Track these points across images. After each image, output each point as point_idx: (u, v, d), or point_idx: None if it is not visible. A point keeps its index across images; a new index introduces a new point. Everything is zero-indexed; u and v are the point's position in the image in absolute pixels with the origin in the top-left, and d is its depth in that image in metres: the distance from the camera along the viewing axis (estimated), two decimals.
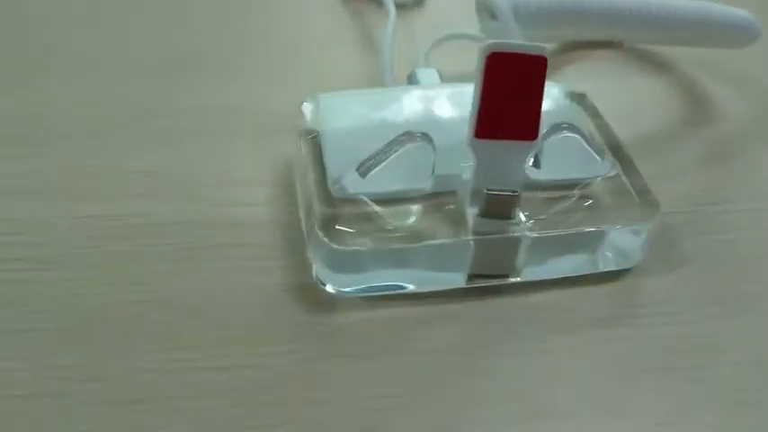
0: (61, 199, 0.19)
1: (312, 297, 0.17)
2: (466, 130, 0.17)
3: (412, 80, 0.23)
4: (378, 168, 0.17)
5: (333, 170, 0.18)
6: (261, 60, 0.25)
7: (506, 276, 0.18)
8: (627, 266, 0.18)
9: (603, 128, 0.20)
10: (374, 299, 0.17)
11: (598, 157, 0.19)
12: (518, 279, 0.18)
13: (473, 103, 0.16)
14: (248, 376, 0.15)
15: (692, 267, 0.19)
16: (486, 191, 0.17)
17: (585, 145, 0.18)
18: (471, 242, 0.17)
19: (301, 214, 0.19)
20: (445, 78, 0.23)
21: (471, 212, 0.17)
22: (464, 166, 0.18)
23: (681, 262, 0.19)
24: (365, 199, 0.17)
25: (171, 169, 0.20)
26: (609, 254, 0.18)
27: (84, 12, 0.27)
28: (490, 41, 0.16)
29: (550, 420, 0.15)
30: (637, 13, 0.20)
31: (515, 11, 0.18)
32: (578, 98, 0.21)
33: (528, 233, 0.17)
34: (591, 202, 0.18)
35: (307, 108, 0.20)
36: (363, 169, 0.17)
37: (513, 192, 0.17)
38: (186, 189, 0.20)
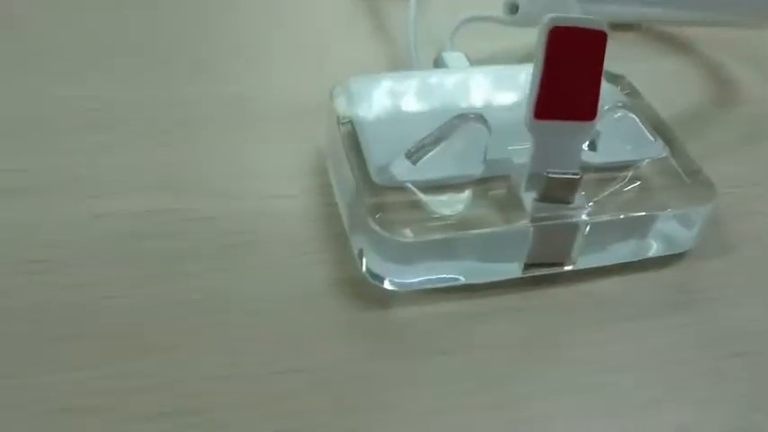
0: (83, 196, 0.18)
1: (363, 293, 0.16)
2: (511, 111, 0.16)
3: (439, 64, 0.22)
4: (431, 154, 0.16)
5: (375, 157, 0.17)
6: (279, 51, 0.24)
7: (562, 265, 0.17)
8: (682, 250, 0.18)
9: (647, 109, 0.19)
10: (427, 292, 0.16)
11: (652, 138, 0.18)
12: (573, 267, 0.17)
13: (532, 83, 0.15)
14: (305, 380, 0.14)
15: (747, 249, 0.18)
16: (546, 174, 0.16)
17: (641, 125, 0.18)
18: (531, 229, 0.16)
19: (341, 206, 0.18)
20: (472, 62, 0.22)
21: (528, 197, 0.16)
22: (513, 150, 0.17)
23: (735, 244, 0.18)
24: (411, 187, 0.16)
25: (197, 163, 0.19)
26: (664, 238, 0.18)
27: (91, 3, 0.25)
28: (552, 15, 0.15)
29: (639, 412, 0.14)
30: None
31: None
32: (616, 79, 0.20)
33: (588, 217, 0.16)
34: (645, 184, 0.17)
35: (338, 94, 0.19)
36: (415, 156, 0.16)
37: (575, 174, 0.16)
38: (216, 182, 0.18)
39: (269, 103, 0.21)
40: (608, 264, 0.17)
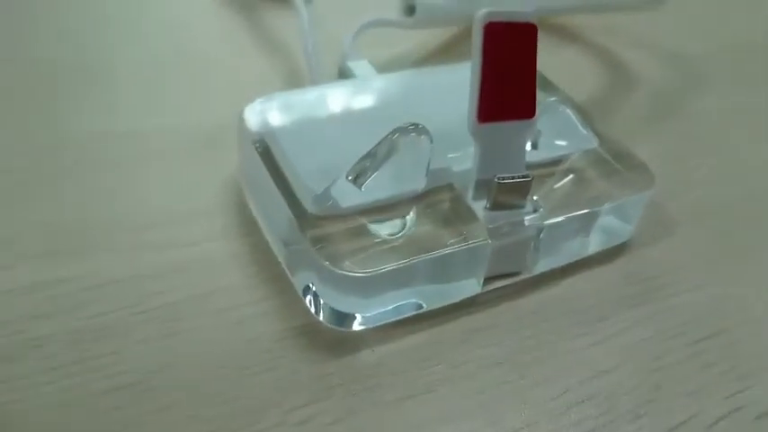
0: None
1: (319, 339, 0.14)
2: (441, 117, 0.15)
3: (344, 74, 0.20)
4: (376, 174, 0.14)
5: (305, 184, 0.15)
6: (166, 80, 0.21)
7: (518, 274, 0.16)
8: (625, 239, 0.17)
9: (568, 100, 0.19)
10: (387, 327, 0.15)
11: (583, 129, 0.17)
12: (530, 274, 0.16)
13: (471, 85, 0.14)
14: None
15: (687, 228, 0.18)
16: (497, 180, 0.15)
17: (573, 118, 0.17)
18: (489, 243, 0.15)
19: (273, 243, 0.16)
20: (377, 68, 0.21)
21: (478, 207, 0.15)
22: (452, 158, 0.16)
23: (673, 225, 0.18)
24: (358, 214, 0.15)
25: (93, 215, 0.16)
26: (606, 230, 0.17)
27: None
28: (486, 10, 0.14)
29: (655, 410, 0.14)
30: None
31: None
32: None
33: (543, 221, 0.15)
34: (582, 176, 0.17)
35: (248, 117, 0.17)
36: (360, 179, 0.14)
37: (525, 177, 0.15)
38: (119, 236, 0.16)
39: (166, 138, 0.19)
40: (562, 264, 0.17)
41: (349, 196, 0.14)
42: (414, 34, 0.24)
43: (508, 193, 0.15)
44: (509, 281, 0.16)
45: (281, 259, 0.15)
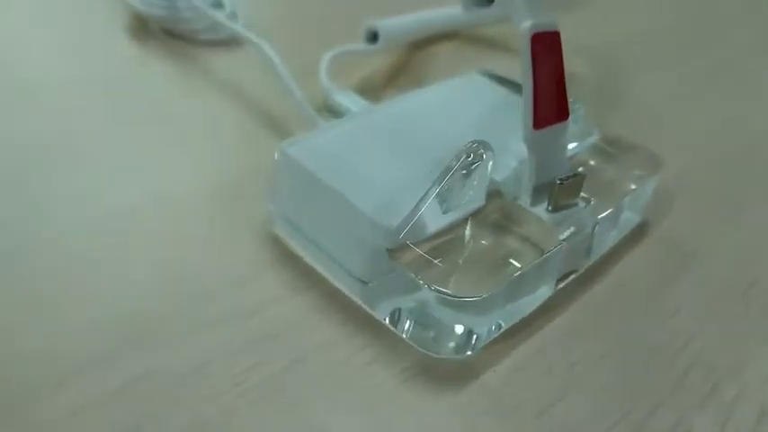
0: None
1: (441, 372, 0.14)
2: (463, 132, 0.15)
3: (333, 108, 0.20)
4: (453, 194, 0.14)
5: (370, 218, 0.14)
6: (153, 147, 0.20)
7: (577, 270, 0.17)
8: (642, 218, 0.19)
9: None
10: (498, 346, 0.15)
11: (581, 124, 0.18)
12: (583, 269, 0.17)
13: (524, 96, 0.15)
14: None
15: (683, 199, 0.20)
16: (558, 181, 0.15)
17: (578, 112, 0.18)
18: (563, 245, 0.15)
19: (343, 286, 0.15)
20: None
21: (540, 210, 0.16)
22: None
23: (670, 198, 0.20)
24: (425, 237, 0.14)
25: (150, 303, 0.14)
26: (627, 214, 0.18)
27: None
28: (530, 22, 0.14)
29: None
30: None
31: None
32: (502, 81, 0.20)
33: (600, 215, 0.16)
34: (596, 168, 0.18)
35: (281, 168, 0.16)
36: (446, 203, 0.14)
37: (578, 174, 0.16)
38: (186, 316, 0.14)
39: (184, 204, 0.17)
40: (607, 249, 0.17)
41: (432, 221, 0.14)
42: (373, 56, 0.24)
43: (567, 192, 0.16)
44: (572, 277, 0.16)
45: (356, 298, 0.15)
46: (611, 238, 0.18)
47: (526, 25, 0.14)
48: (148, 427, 0.12)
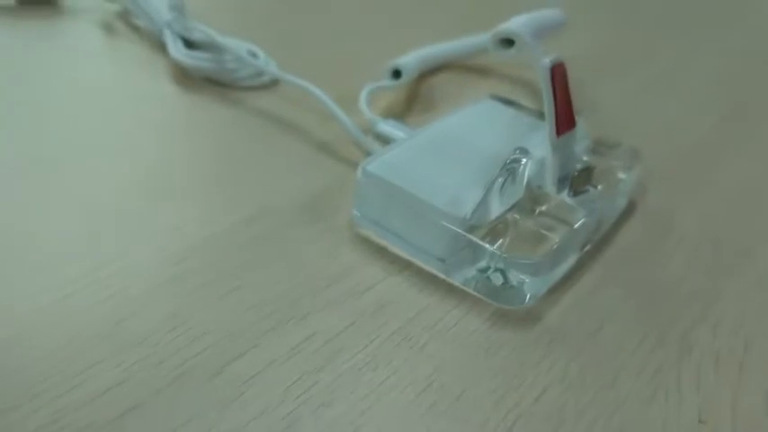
0: None
1: (512, 315, 0.19)
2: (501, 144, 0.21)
3: (382, 135, 0.25)
4: (510, 188, 0.19)
5: (440, 209, 0.19)
6: (251, 173, 0.24)
7: (591, 241, 0.22)
8: (627, 201, 0.24)
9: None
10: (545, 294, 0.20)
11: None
12: (597, 238, 0.22)
13: (547, 112, 0.20)
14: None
15: (659, 180, 0.25)
16: (575, 171, 0.21)
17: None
18: (585, 219, 0.20)
19: (426, 264, 0.20)
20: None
21: (564, 196, 0.21)
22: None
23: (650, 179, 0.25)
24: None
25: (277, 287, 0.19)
26: (621, 194, 0.24)
27: None
28: (551, 57, 0.20)
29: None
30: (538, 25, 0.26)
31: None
32: (510, 102, 0.26)
33: (607, 195, 0.21)
34: (593, 162, 0.23)
35: (366, 182, 0.20)
36: (502, 194, 0.19)
37: (588, 165, 0.21)
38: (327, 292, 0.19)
39: (282, 219, 0.22)
40: (608, 228, 0.23)
41: (494, 209, 0.19)
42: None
43: (582, 180, 0.21)
44: (589, 246, 0.22)
45: (439, 272, 0.20)
46: (613, 213, 0.23)
47: (546, 62, 0.20)
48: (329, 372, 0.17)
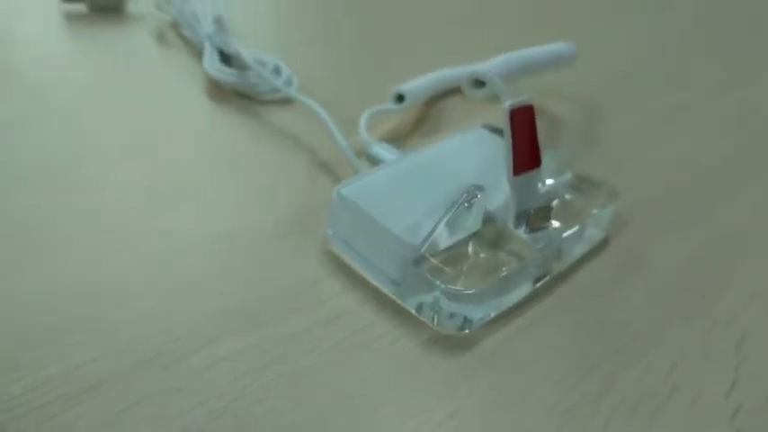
0: None
1: (449, 340, 0.20)
2: (471, 177, 0.22)
3: (373, 157, 0.27)
4: (458, 221, 0.21)
5: (398, 236, 0.21)
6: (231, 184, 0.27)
7: (548, 275, 0.23)
8: (602, 237, 0.25)
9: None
10: (488, 323, 0.21)
11: (556, 166, 0.25)
12: (554, 274, 0.23)
13: (505, 152, 0.21)
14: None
15: (639, 219, 0.26)
16: (532, 210, 0.22)
17: (554, 159, 0.24)
18: (536, 255, 0.22)
19: (382, 285, 0.22)
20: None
21: (521, 232, 0.22)
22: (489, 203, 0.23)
23: (629, 218, 0.26)
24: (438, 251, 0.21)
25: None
26: (591, 233, 0.25)
27: None
28: (510, 101, 0.21)
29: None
30: (520, 63, 0.27)
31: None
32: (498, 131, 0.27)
33: (565, 234, 0.22)
34: (568, 198, 0.24)
35: (346, 196, 0.22)
36: (452, 226, 0.21)
37: (548, 205, 0.22)
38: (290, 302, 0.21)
39: (261, 231, 0.24)
40: (574, 260, 0.24)
41: (443, 240, 0.21)
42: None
43: (538, 218, 0.22)
44: (545, 280, 0.23)
45: (392, 295, 0.21)
46: (578, 249, 0.24)
47: (506, 104, 0.21)
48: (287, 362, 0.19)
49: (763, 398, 0.19)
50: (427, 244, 0.21)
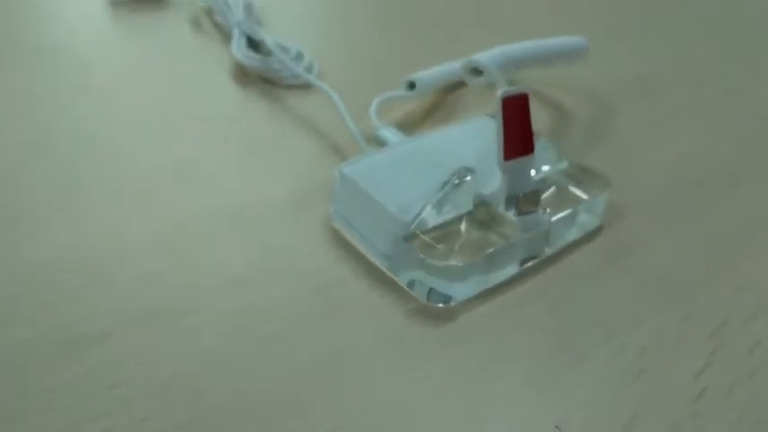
0: None
1: (433, 312, 0.22)
2: (469, 161, 0.23)
3: (379, 140, 0.28)
4: (448, 200, 0.22)
5: (392, 214, 0.22)
6: (251, 158, 0.28)
7: (538, 256, 0.24)
8: (596, 225, 0.26)
9: (543, 137, 0.27)
10: (467, 301, 0.22)
11: (557, 156, 0.26)
12: (543, 256, 0.24)
13: (498, 137, 0.22)
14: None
15: (633, 213, 0.27)
16: (521, 194, 0.23)
17: (550, 149, 0.25)
18: (523, 237, 0.23)
19: (375, 259, 0.23)
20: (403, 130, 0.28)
21: (510, 214, 0.23)
22: (482, 186, 0.24)
23: (625, 211, 0.27)
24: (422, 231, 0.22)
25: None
26: (585, 220, 0.25)
27: None
28: (502, 90, 0.22)
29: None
30: (526, 54, 0.28)
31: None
32: None
33: (553, 218, 0.23)
34: (562, 186, 0.25)
35: (347, 174, 0.24)
36: (439, 205, 0.22)
37: (536, 190, 0.23)
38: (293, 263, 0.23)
39: (269, 204, 0.26)
40: (563, 245, 0.25)
41: (433, 219, 0.22)
42: (412, 99, 0.32)
43: (527, 202, 0.23)
44: (535, 261, 0.24)
45: (384, 268, 0.23)
46: (571, 234, 0.25)
47: (499, 92, 0.22)
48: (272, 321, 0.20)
49: (728, 384, 0.20)
50: (417, 221, 0.22)
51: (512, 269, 0.23)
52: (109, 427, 0.18)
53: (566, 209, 0.24)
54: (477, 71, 0.24)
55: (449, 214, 0.23)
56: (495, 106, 0.22)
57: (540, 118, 0.32)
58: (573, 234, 0.25)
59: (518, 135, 0.23)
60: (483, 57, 0.23)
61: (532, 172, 0.24)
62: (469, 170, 0.23)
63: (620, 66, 0.37)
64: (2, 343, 0.20)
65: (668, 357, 0.21)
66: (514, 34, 0.32)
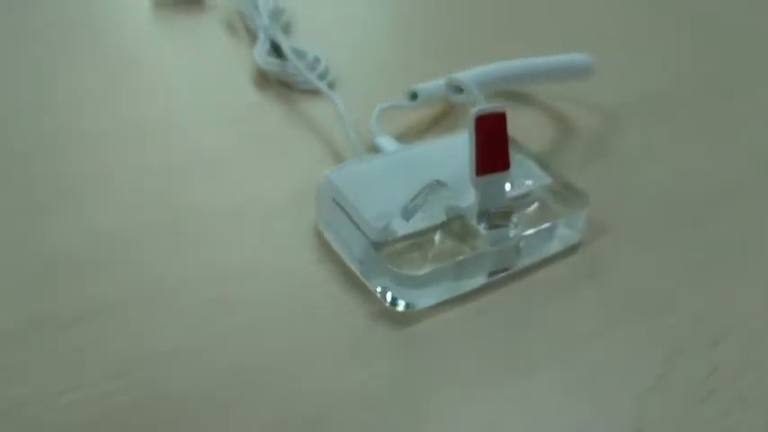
0: None
1: (398, 316, 0.23)
2: (450, 174, 0.24)
3: (376, 148, 0.29)
4: (418, 212, 0.23)
5: (368, 222, 0.23)
6: (248, 159, 0.30)
7: (508, 269, 0.25)
8: (575, 241, 0.26)
9: (528, 150, 0.28)
10: (433, 307, 0.23)
11: (540, 171, 0.27)
12: (515, 269, 0.25)
13: (470, 153, 0.23)
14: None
15: (616, 231, 0.27)
16: (492, 210, 0.24)
17: (533, 165, 0.26)
18: (491, 249, 0.24)
19: (351, 263, 0.24)
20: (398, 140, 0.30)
21: (481, 228, 0.24)
22: (458, 200, 0.25)
23: (607, 228, 0.27)
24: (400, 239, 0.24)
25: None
26: (565, 235, 0.26)
27: None
28: (477, 108, 0.23)
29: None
30: (524, 70, 0.29)
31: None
32: None
33: (524, 233, 0.24)
34: (543, 202, 0.26)
35: (331, 179, 0.25)
36: (407, 215, 0.23)
37: (508, 207, 0.24)
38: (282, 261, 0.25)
39: (260, 207, 0.28)
40: (538, 260, 0.25)
41: (402, 228, 0.23)
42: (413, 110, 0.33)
43: (499, 217, 0.24)
44: (504, 274, 0.25)
45: (358, 273, 0.24)
46: (548, 249, 0.26)
47: (472, 111, 0.23)
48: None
49: (674, 407, 0.21)
50: (388, 230, 0.23)
51: (480, 279, 0.24)
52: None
53: (544, 223, 0.25)
54: (458, 88, 0.25)
55: (421, 224, 0.24)
56: (468, 124, 0.23)
57: (543, 131, 0.33)
58: (552, 248, 0.26)
59: (491, 152, 0.24)
60: (464, 75, 0.24)
61: (508, 187, 0.25)
62: (441, 184, 0.24)
63: (628, 81, 0.37)
64: None
65: (615, 376, 0.21)
66: (530, 49, 0.33)
